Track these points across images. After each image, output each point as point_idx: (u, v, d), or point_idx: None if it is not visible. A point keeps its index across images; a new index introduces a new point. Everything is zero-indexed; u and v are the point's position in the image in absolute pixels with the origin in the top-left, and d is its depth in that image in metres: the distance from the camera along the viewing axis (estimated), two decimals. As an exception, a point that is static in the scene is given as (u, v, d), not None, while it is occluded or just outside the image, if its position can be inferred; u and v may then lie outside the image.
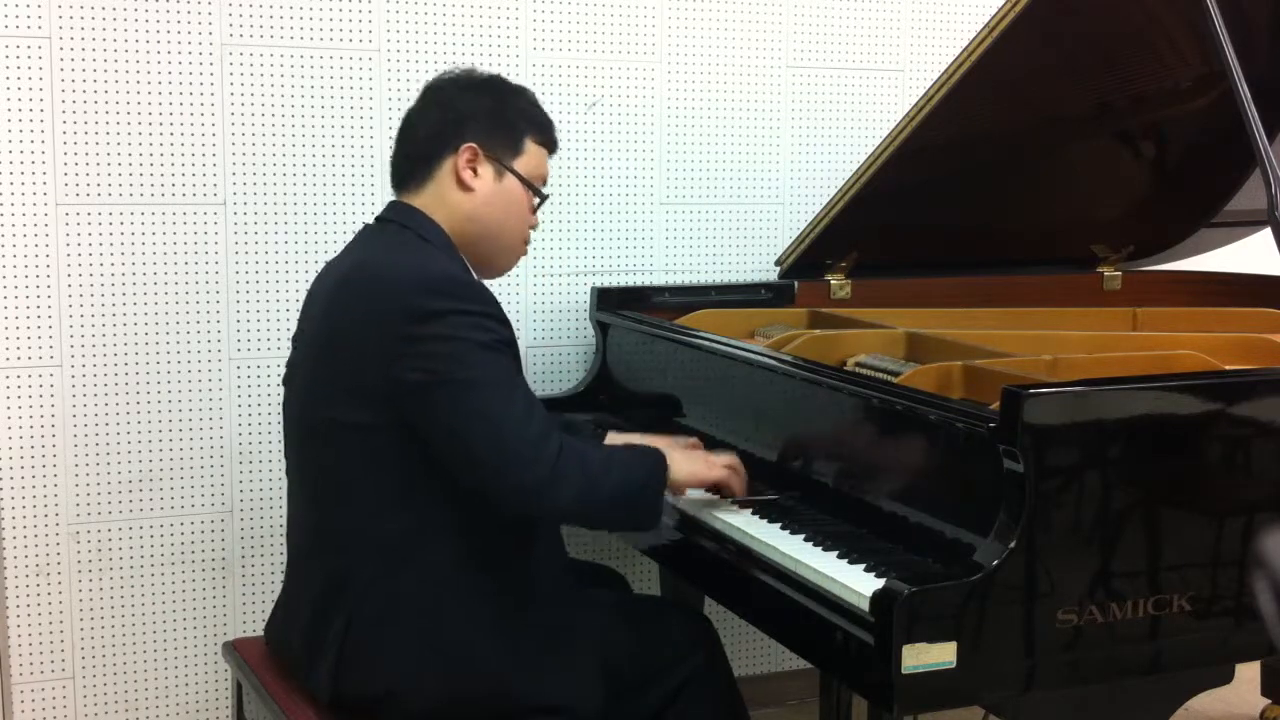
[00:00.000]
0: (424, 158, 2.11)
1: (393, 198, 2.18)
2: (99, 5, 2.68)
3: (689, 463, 2.13)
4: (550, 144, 2.19)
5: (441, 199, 2.10)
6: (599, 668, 2.05)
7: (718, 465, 2.17)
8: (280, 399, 2.85)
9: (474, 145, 2.09)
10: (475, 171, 2.09)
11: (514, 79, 2.93)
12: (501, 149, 2.11)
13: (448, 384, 1.90)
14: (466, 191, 2.09)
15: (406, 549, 1.99)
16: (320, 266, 2.82)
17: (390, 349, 1.92)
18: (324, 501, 2.05)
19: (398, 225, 2.10)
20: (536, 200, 2.17)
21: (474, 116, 2.10)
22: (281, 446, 2.87)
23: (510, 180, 2.12)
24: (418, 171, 2.12)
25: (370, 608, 1.98)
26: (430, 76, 2.87)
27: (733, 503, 2.20)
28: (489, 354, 1.93)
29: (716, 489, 2.22)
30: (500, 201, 2.11)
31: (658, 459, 2.07)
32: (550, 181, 2.22)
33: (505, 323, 1.99)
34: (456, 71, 2.18)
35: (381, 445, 1.96)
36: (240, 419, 2.86)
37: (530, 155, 2.14)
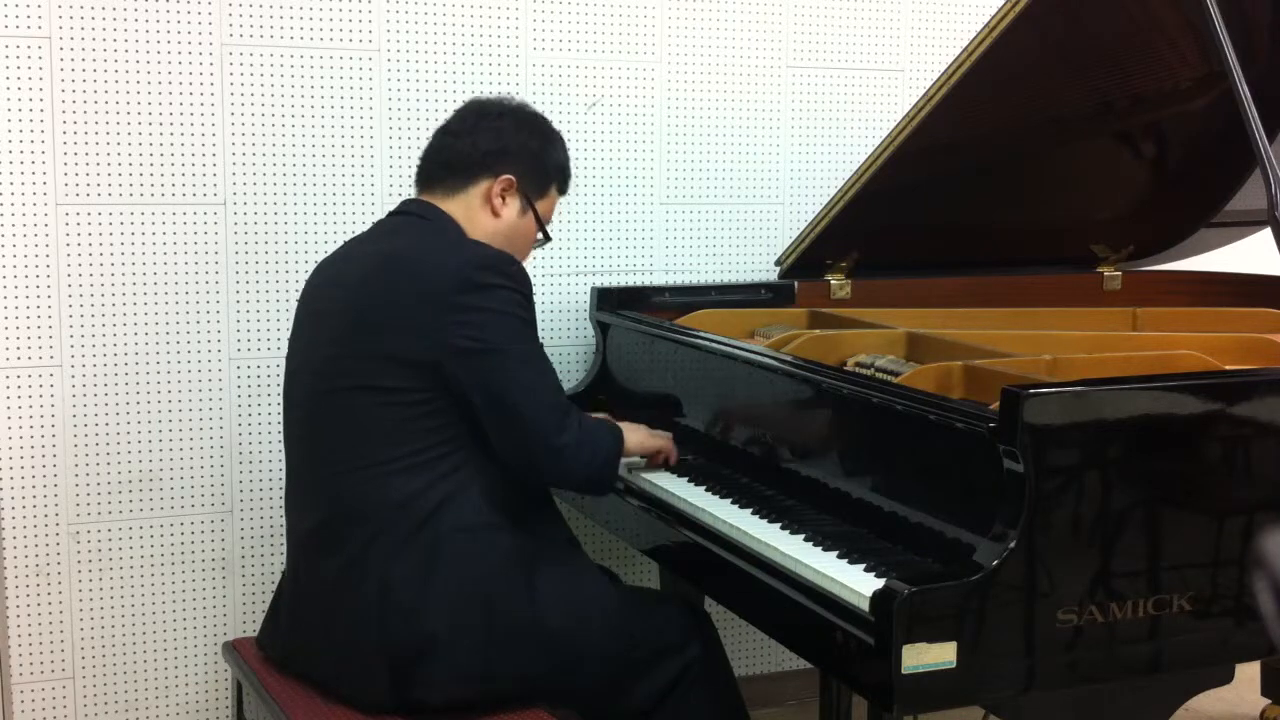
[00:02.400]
0: (462, 171, 2.24)
1: (410, 195, 2.31)
2: (99, 5, 2.68)
3: (634, 434, 2.35)
4: (565, 191, 2.39)
5: (468, 214, 2.24)
6: (616, 613, 2.15)
7: (660, 435, 2.42)
8: (281, 396, 2.86)
9: (512, 178, 2.25)
10: (505, 200, 2.25)
11: (514, 79, 2.97)
12: (532, 188, 2.28)
13: (496, 353, 2.07)
14: (494, 216, 2.25)
15: (431, 510, 2.06)
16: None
17: (442, 316, 2.05)
18: (344, 475, 2.10)
19: (421, 219, 2.23)
20: (540, 238, 2.33)
21: (520, 152, 2.27)
22: (282, 446, 2.88)
23: (529, 217, 2.29)
24: (450, 181, 2.25)
25: (403, 566, 2.05)
26: (430, 76, 2.91)
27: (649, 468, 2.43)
28: (529, 330, 2.13)
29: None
30: (518, 233, 2.28)
31: (619, 432, 2.26)
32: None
33: (533, 304, 2.16)
34: (513, 102, 2.32)
35: (416, 407, 2.07)
36: (240, 419, 2.86)
37: (549, 199, 2.34)
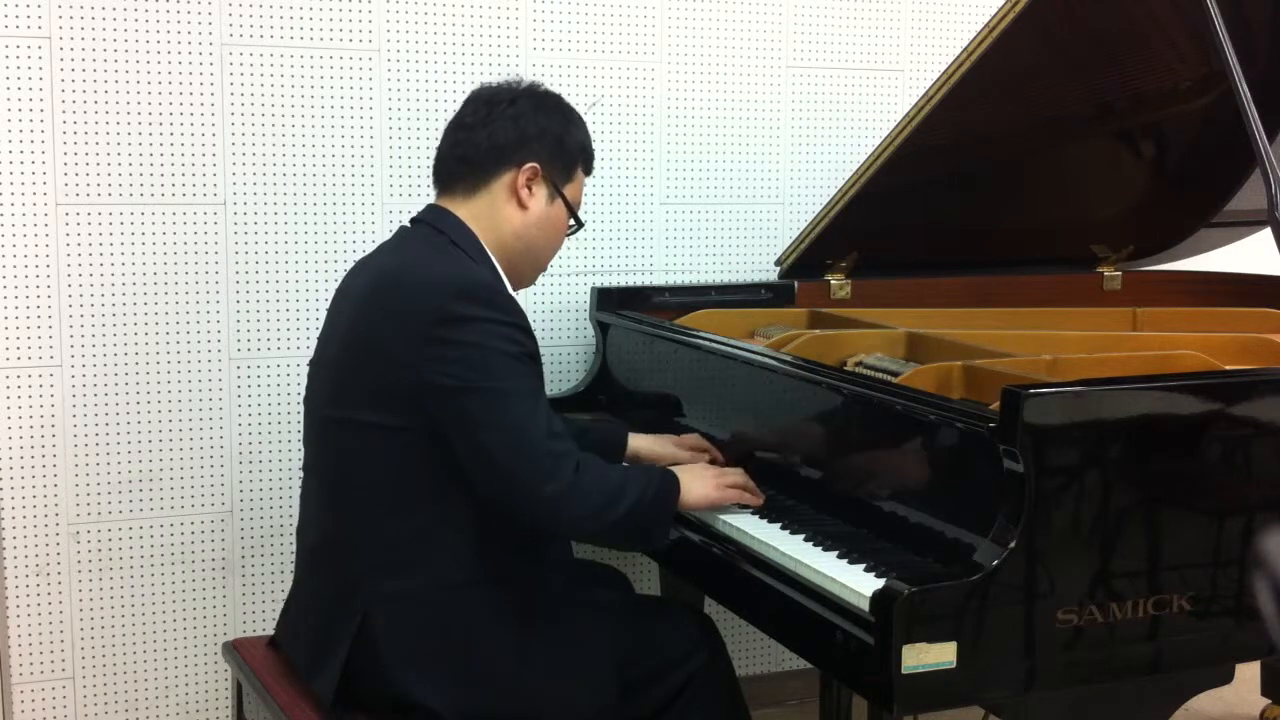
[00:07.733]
0: (481, 166, 2.13)
1: (413, 195, 2.18)
2: (99, 5, 2.68)
3: (700, 485, 2.15)
4: (591, 171, 2.25)
5: (492, 211, 2.13)
6: (607, 671, 2.07)
7: (725, 486, 2.18)
8: (281, 396, 2.87)
9: (536, 165, 2.13)
10: (531, 191, 2.13)
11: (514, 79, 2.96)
12: (558, 174, 2.16)
13: (475, 392, 1.94)
14: (521, 209, 2.14)
15: (419, 553, 2.00)
16: (320, 266, 2.85)
17: (420, 351, 1.95)
18: (340, 502, 2.06)
19: (433, 229, 2.12)
20: (572, 224, 2.22)
21: (541, 137, 2.14)
22: (282, 446, 2.89)
23: (559, 204, 2.17)
24: (470, 178, 2.14)
25: (381, 612, 1.99)
26: (430, 76, 2.91)
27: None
28: (516, 365, 1.98)
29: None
30: (548, 224, 2.17)
31: (671, 482, 2.10)
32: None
33: (531, 335, 2.03)
34: (523, 85, 2.19)
35: (401, 448, 1.98)
36: (240, 419, 2.86)
37: (577, 183, 2.21)
